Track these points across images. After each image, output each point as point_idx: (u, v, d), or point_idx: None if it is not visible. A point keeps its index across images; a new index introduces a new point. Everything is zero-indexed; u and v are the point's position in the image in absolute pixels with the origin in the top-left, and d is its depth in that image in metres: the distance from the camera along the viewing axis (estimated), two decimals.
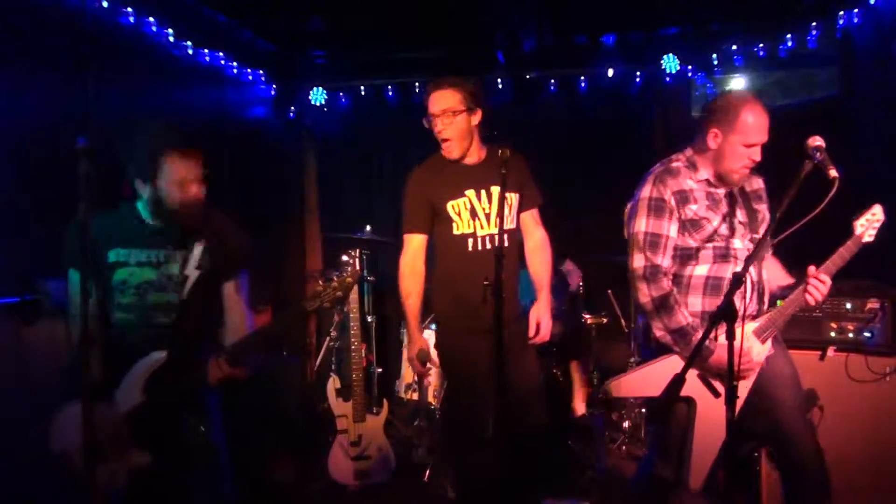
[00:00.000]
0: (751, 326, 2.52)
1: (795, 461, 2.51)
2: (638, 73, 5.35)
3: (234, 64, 5.01)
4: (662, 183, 2.58)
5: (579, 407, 4.65)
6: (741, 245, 2.56)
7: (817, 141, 2.24)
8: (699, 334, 2.42)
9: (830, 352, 3.06)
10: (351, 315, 3.90)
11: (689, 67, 5.21)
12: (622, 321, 4.88)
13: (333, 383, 3.87)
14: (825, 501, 2.51)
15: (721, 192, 2.59)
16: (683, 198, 2.56)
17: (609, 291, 4.99)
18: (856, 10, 4.29)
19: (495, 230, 2.83)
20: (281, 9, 4.68)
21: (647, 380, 2.53)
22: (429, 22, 4.86)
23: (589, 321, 4.59)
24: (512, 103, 5.50)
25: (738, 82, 5.31)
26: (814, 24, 4.57)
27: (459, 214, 2.87)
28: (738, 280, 2.04)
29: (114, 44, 3.72)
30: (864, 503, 2.89)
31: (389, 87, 5.67)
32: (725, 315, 2.01)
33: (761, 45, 4.85)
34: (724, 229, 2.55)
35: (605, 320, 4.63)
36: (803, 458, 2.49)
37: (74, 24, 3.47)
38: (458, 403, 3.08)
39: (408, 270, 2.95)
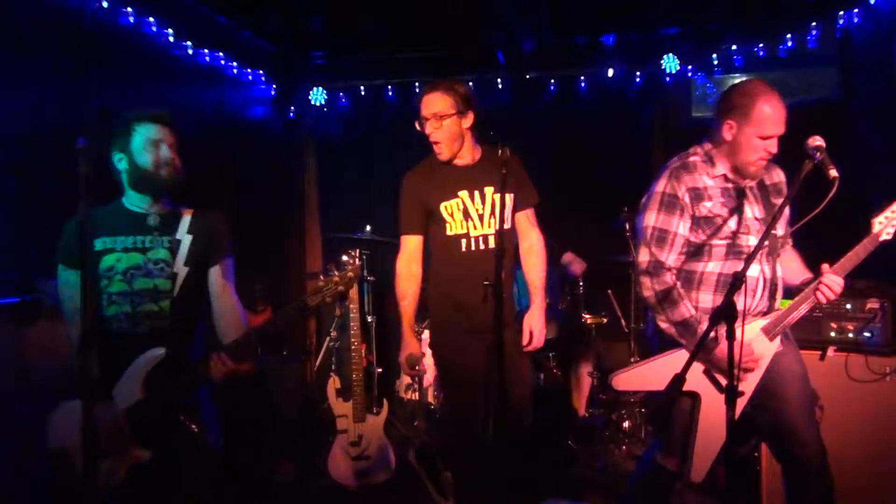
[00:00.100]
0: (759, 324, 2.52)
1: (800, 458, 2.51)
2: (638, 73, 5.35)
3: (234, 64, 5.02)
4: (677, 179, 2.54)
5: (579, 407, 4.65)
6: (756, 242, 2.50)
7: (817, 141, 2.23)
8: (703, 325, 2.41)
9: (830, 352, 3.06)
10: (351, 315, 3.90)
11: (689, 67, 5.22)
12: (622, 321, 4.89)
13: (333, 383, 3.87)
14: (828, 499, 2.51)
15: (738, 186, 2.55)
16: (698, 195, 2.53)
17: (609, 291, 5.00)
18: (855, 10, 4.30)
19: (489, 231, 2.86)
20: (281, 9, 4.69)
21: (651, 374, 2.53)
22: (429, 22, 4.87)
23: (589, 321, 4.59)
24: (512, 103, 5.50)
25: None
26: (813, 24, 4.58)
27: (452, 215, 2.89)
28: (738, 280, 2.04)
29: (114, 44, 3.72)
30: (864, 503, 2.89)
31: (389, 87, 5.68)
32: (725, 315, 2.01)
33: (761, 45, 4.85)
34: (738, 227, 2.51)
35: (605, 320, 4.62)
36: (808, 456, 2.49)
37: (74, 24, 3.47)
38: (452, 403, 3.10)
39: (404, 273, 2.97)
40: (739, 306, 2.10)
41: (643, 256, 2.57)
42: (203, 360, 2.28)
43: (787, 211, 2.61)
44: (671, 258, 2.54)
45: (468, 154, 2.93)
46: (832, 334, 3.09)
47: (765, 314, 2.55)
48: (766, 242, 2.51)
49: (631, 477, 3.15)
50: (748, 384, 2.49)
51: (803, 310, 2.52)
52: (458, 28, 4.98)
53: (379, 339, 4.96)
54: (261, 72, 5.36)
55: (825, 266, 2.48)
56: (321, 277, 2.34)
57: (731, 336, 2.00)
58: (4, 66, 3.07)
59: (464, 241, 2.88)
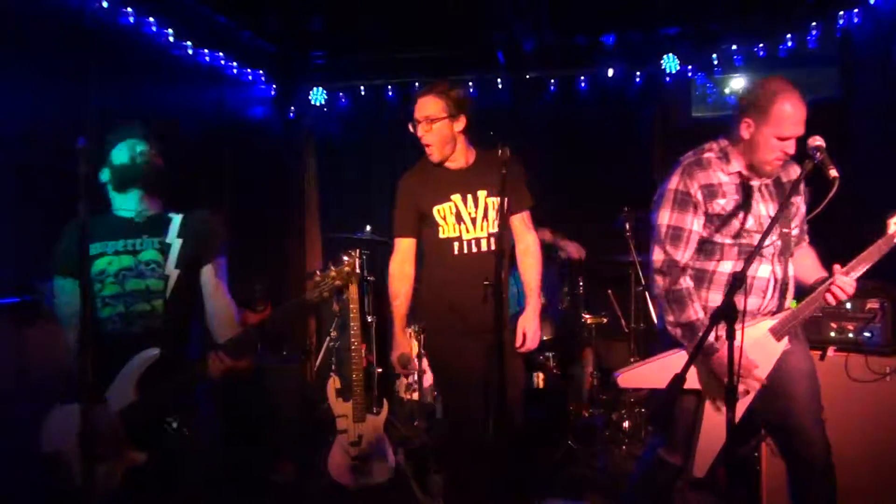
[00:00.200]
0: (768, 324, 2.50)
1: (805, 457, 2.50)
2: (638, 73, 5.35)
3: (234, 64, 5.02)
4: (690, 176, 2.51)
5: (579, 407, 4.64)
6: (769, 241, 2.48)
7: (817, 141, 2.23)
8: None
9: (830, 352, 3.06)
10: (351, 315, 3.89)
11: (689, 67, 5.22)
12: (622, 321, 4.89)
13: (333, 383, 3.87)
14: (831, 499, 2.51)
15: (754, 184, 2.51)
16: (711, 192, 2.49)
17: (609, 291, 5.00)
18: (855, 10, 4.30)
19: (481, 234, 2.87)
20: (281, 9, 4.69)
21: (657, 372, 2.53)
22: (429, 22, 4.87)
23: (589, 321, 4.58)
24: (512, 103, 5.50)
25: (737, 82, 5.31)
26: (813, 24, 4.58)
27: (445, 219, 2.90)
28: (738, 281, 2.03)
29: (114, 44, 3.72)
30: (864, 503, 2.89)
31: (389, 87, 5.68)
32: (725, 315, 2.00)
33: (761, 45, 4.86)
34: (752, 225, 2.48)
35: (605, 320, 4.62)
36: (813, 455, 2.49)
37: (74, 24, 3.47)
38: (448, 405, 3.12)
39: (397, 273, 3.00)
40: (740, 306, 2.09)
41: (657, 255, 2.54)
42: (200, 359, 2.28)
43: (802, 208, 2.58)
44: (686, 256, 2.52)
45: (461, 157, 2.93)
46: (832, 334, 3.09)
47: (773, 314, 2.54)
48: (779, 242, 2.50)
49: (631, 477, 3.14)
50: (753, 383, 2.48)
51: (810, 310, 2.50)
52: (458, 28, 4.98)
53: (379, 339, 4.95)
54: (261, 72, 5.36)
55: (837, 267, 2.44)
56: (317, 273, 2.34)
57: (730, 336, 1.99)
58: (4, 66, 3.07)
59: (456, 245, 2.90)
